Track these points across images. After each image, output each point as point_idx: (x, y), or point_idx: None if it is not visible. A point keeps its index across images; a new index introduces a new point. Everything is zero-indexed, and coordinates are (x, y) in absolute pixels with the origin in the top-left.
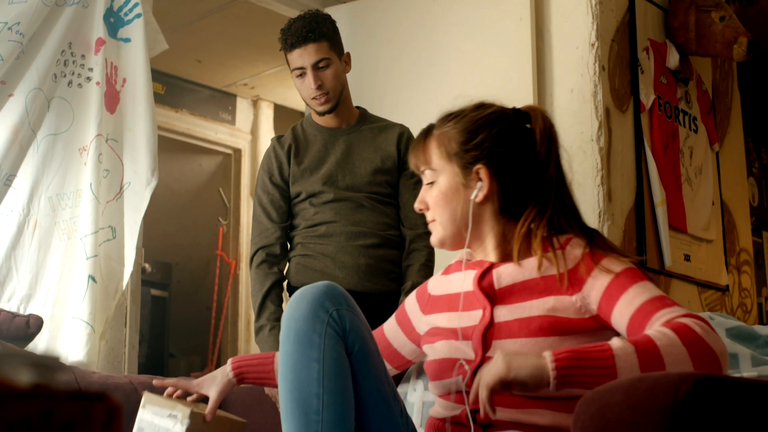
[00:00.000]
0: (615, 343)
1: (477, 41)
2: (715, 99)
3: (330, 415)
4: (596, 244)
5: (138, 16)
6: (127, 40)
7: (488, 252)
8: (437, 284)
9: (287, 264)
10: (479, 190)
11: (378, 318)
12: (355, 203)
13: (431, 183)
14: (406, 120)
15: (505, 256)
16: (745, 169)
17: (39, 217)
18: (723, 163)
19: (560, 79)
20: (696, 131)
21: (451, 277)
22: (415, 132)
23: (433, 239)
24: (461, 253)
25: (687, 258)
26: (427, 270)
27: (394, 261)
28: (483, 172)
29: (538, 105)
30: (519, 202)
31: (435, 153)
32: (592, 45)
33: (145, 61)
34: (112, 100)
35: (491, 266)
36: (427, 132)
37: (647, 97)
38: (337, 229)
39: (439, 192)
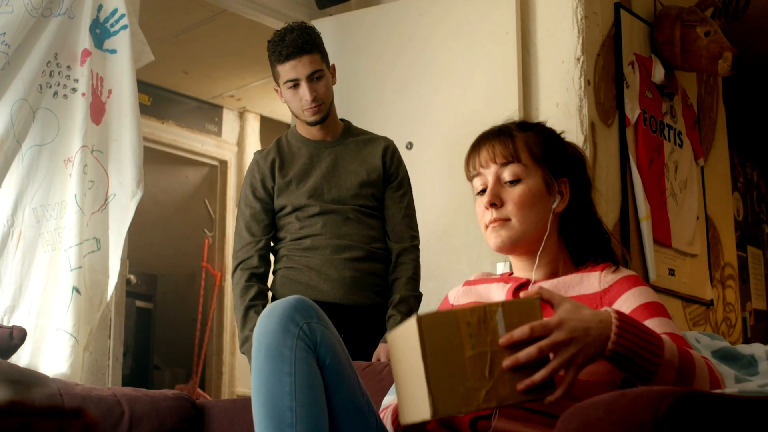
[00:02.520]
0: (663, 335)
1: (463, 55)
2: (701, 114)
3: (303, 428)
4: (633, 274)
5: (124, 27)
6: (113, 51)
7: (537, 266)
8: (460, 295)
9: (272, 277)
10: (560, 202)
11: (364, 331)
12: (342, 216)
13: (514, 181)
14: (392, 133)
15: (548, 274)
16: (730, 183)
17: (23, 229)
18: (708, 178)
19: (546, 93)
20: (681, 146)
21: (478, 288)
22: (399, 144)
23: (503, 238)
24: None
25: (671, 272)
26: (414, 283)
27: (379, 274)
28: (566, 186)
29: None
30: (574, 223)
31: (524, 151)
32: (578, 59)
33: (131, 73)
34: (97, 111)
35: (527, 281)
36: (506, 131)
37: (632, 112)
38: (322, 242)
39: (528, 192)
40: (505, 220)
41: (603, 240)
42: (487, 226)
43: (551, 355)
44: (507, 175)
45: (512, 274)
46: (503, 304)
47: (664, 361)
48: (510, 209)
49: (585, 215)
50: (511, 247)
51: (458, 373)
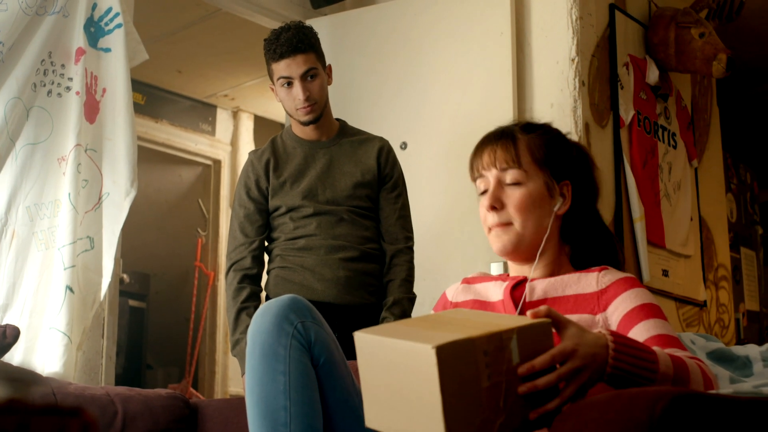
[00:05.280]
0: (655, 348)
1: (458, 55)
2: (694, 115)
3: (298, 427)
4: (631, 276)
5: (119, 26)
6: (108, 50)
7: (537, 268)
8: (459, 292)
9: (266, 277)
10: (562, 204)
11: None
12: (336, 217)
13: (515, 184)
14: (387, 132)
15: (546, 274)
16: (724, 184)
17: (17, 227)
18: (701, 179)
19: (540, 93)
20: (675, 147)
21: (476, 287)
22: (393, 144)
23: (504, 243)
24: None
25: (665, 273)
26: (408, 285)
27: (373, 274)
28: (568, 188)
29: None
30: (577, 225)
31: (525, 155)
32: (573, 60)
33: (126, 71)
34: (91, 110)
35: (524, 279)
36: (509, 134)
37: (627, 113)
38: (316, 242)
39: (529, 196)
40: (506, 224)
41: (608, 244)
42: (490, 230)
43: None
44: (508, 178)
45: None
46: (518, 330)
47: (659, 376)
48: (511, 212)
49: (589, 217)
50: (512, 251)
51: (474, 406)
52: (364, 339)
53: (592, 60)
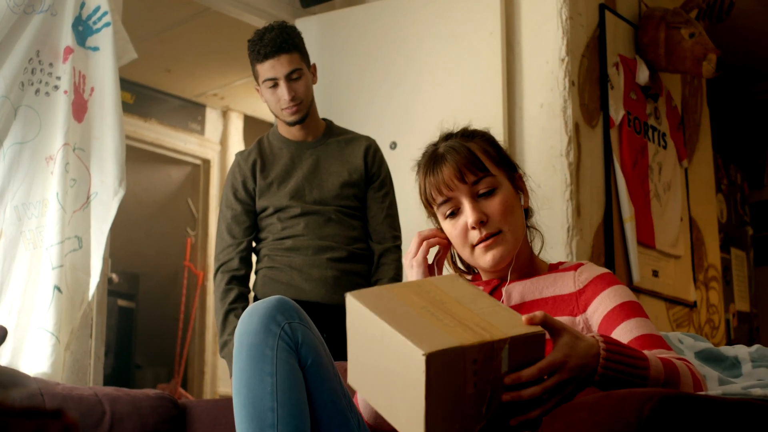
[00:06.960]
0: (646, 351)
1: (447, 54)
2: (685, 115)
3: (285, 428)
4: (607, 272)
5: (107, 24)
6: (96, 48)
7: (513, 268)
8: None
9: (254, 277)
10: (524, 197)
11: (345, 331)
12: (324, 217)
13: (489, 192)
14: (376, 133)
15: (522, 274)
16: (714, 185)
17: (4, 227)
18: (692, 180)
19: (530, 93)
20: (665, 147)
21: None
22: (382, 144)
23: (501, 254)
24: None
25: (655, 274)
26: None
27: (361, 274)
28: (522, 180)
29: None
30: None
31: (485, 159)
32: (562, 60)
33: (114, 70)
34: (79, 109)
35: (500, 284)
36: (458, 147)
37: (617, 113)
38: (304, 242)
39: (507, 200)
40: (496, 234)
41: None
42: (473, 247)
43: None
44: (482, 189)
45: (478, 273)
46: (510, 340)
47: (650, 382)
48: (497, 221)
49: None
50: (507, 260)
51: (457, 410)
52: (356, 307)
53: (582, 60)
